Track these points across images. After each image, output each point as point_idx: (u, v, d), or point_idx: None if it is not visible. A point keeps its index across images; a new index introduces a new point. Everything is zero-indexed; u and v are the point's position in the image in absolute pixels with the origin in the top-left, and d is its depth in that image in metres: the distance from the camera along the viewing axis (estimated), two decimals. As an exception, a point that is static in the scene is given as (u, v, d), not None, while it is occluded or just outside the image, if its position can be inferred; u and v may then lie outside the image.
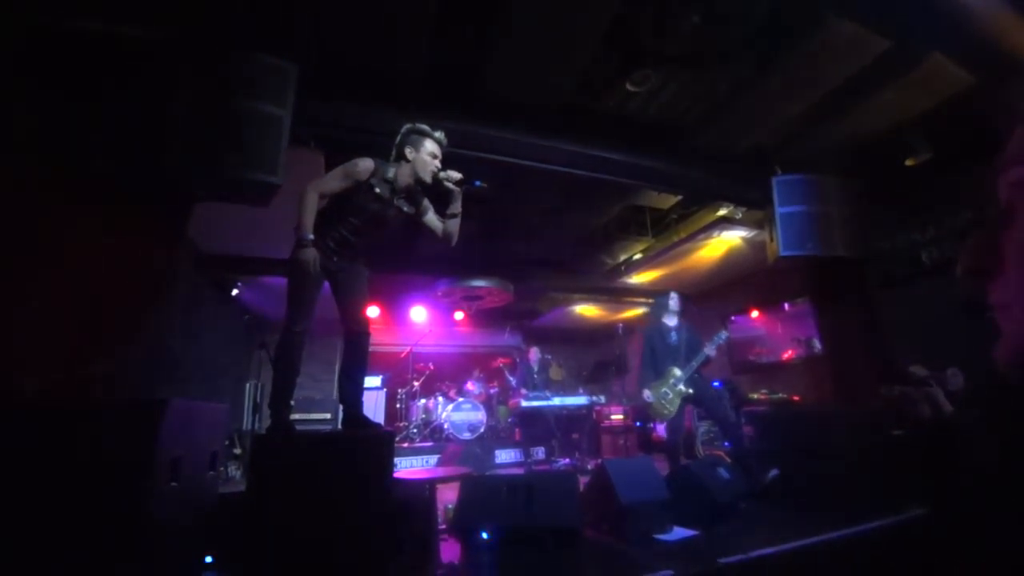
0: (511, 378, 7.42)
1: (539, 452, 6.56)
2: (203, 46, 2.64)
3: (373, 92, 3.34)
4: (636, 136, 4.05)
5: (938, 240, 4.21)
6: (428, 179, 2.53)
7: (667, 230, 6.01)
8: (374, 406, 7.40)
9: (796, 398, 5.71)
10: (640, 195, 5.28)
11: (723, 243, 5.90)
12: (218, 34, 2.69)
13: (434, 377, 8.13)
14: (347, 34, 3.04)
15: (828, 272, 4.38)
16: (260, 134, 2.69)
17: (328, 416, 7.59)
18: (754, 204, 4.69)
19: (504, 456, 6.94)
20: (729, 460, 3.79)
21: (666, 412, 4.20)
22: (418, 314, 8.28)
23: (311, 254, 2.38)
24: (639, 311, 9.27)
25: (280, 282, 6.36)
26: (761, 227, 4.95)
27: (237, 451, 5.77)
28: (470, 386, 7.92)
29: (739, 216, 5.19)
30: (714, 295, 7.69)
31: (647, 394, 4.29)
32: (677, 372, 4.18)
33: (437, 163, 2.56)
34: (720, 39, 3.15)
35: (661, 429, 7.92)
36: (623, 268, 7.05)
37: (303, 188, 2.42)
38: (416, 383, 7.91)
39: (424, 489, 2.76)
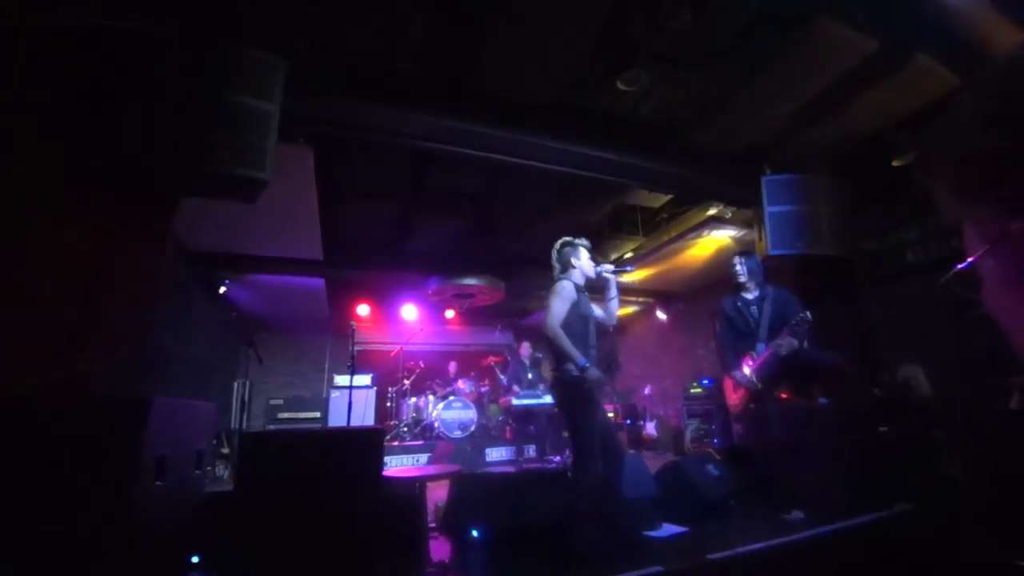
0: (502, 376, 7.43)
1: (530, 450, 6.57)
2: (190, 39, 2.59)
3: (365, 88, 3.31)
4: (628, 135, 4.05)
5: (924, 239, 4.27)
6: (593, 275, 3.06)
7: (658, 229, 6.03)
8: (364, 405, 7.37)
9: (784, 395, 5.76)
10: (632, 194, 5.30)
11: (713, 242, 5.94)
12: (205, 27, 2.65)
13: (424, 375, 8.10)
14: (338, 28, 3.01)
15: (816, 271, 4.42)
16: (248, 129, 2.65)
17: (318, 414, 7.54)
18: (743, 203, 4.72)
19: (495, 454, 6.94)
20: (719, 457, 3.81)
21: (732, 402, 3.55)
22: (409, 312, 8.25)
23: (595, 373, 2.75)
24: (630, 310, 9.31)
25: (268, 279, 6.33)
26: (750, 226, 4.98)
27: (225, 450, 5.71)
28: (461, 384, 7.91)
29: (729, 215, 5.22)
30: (704, 293, 7.75)
31: (740, 375, 3.48)
32: (754, 353, 3.45)
33: (591, 261, 3.11)
34: (711, 38, 3.16)
35: (651, 427, 7.98)
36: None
37: (549, 330, 2.78)
38: (407, 381, 7.88)
39: (414, 487, 2.75)
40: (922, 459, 3.37)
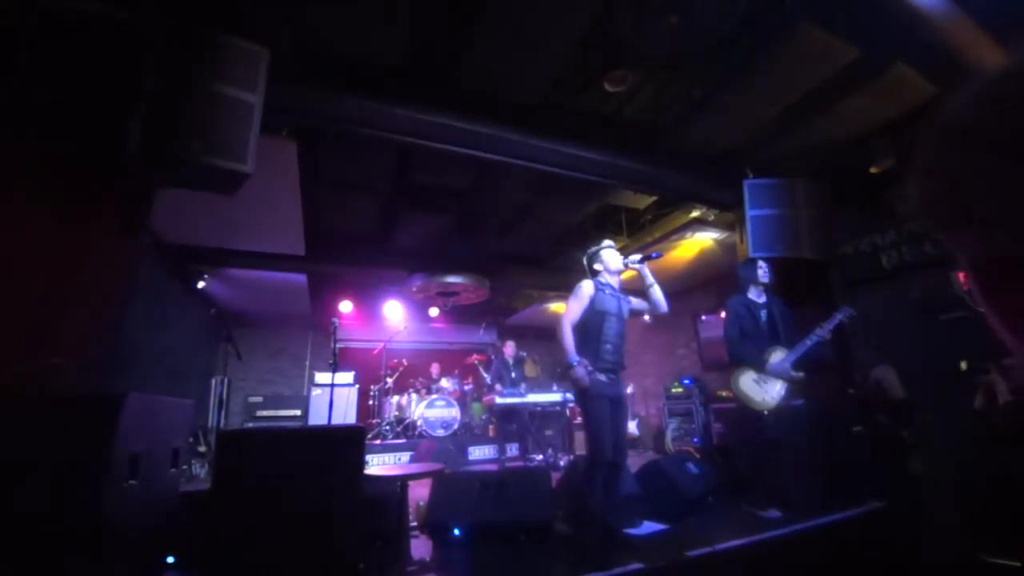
0: (486, 375, 7.42)
1: (513, 449, 6.58)
2: (170, 26, 2.53)
3: (350, 81, 3.27)
4: (613, 136, 4.08)
5: (897, 244, 4.38)
6: (621, 267, 3.15)
7: (642, 230, 6.09)
8: (346, 403, 7.30)
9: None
10: (616, 195, 5.33)
11: (696, 244, 6.02)
12: (187, 14, 2.59)
13: (407, 373, 8.06)
14: (323, 20, 2.97)
15: (796, 273, 4.50)
16: (229, 120, 2.59)
17: (298, 412, 7.45)
18: (726, 206, 4.79)
19: (478, 453, 6.94)
20: (698, 455, 3.87)
21: (764, 400, 3.47)
22: (392, 309, 8.19)
23: (580, 371, 2.84)
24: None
25: (248, 274, 6.22)
26: (732, 229, 5.05)
27: (202, 448, 5.60)
28: (444, 383, 7.89)
29: (711, 218, 5.30)
30: (686, 294, 7.84)
31: (779, 367, 3.49)
32: (780, 354, 3.51)
33: (618, 255, 3.20)
34: (696, 42, 3.19)
35: (632, 426, 8.06)
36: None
37: (558, 328, 2.99)
38: (389, 380, 7.82)
39: (395, 486, 2.73)
40: (893, 458, 3.46)
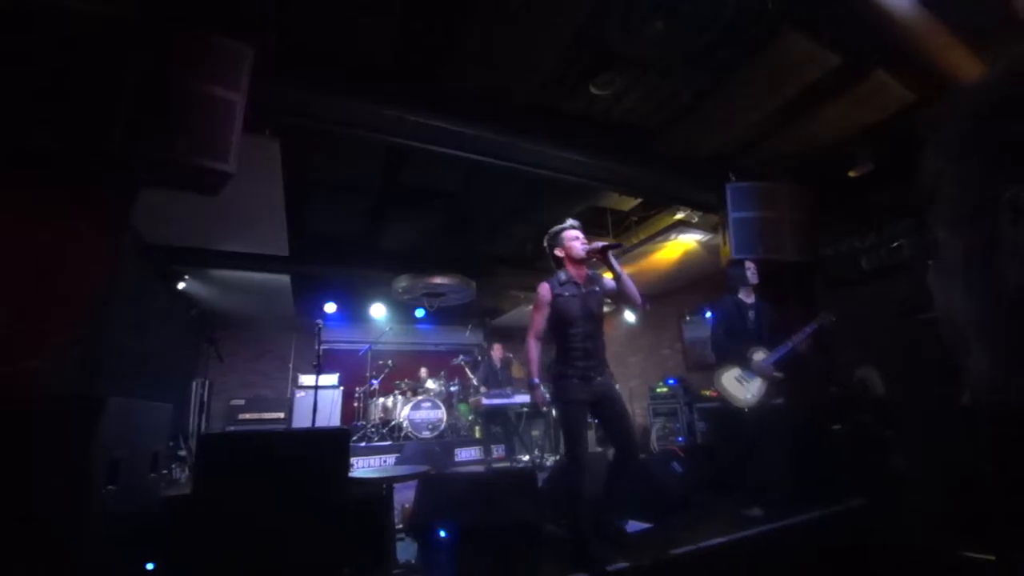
0: (473, 376, 7.40)
1: (500, 450, 6.58)
2: (153, 23, 2.49)
3: (335, 80, 3.24)
4: (600, 138, 4.11)
5: (877, 247, 4.49)
6: (583, 255, 2.78)
7: (627, 232, 6.14)
8: (330, 405, 7.23)
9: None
10: (602, 196, 5.37)
11: (680, 245, 6.09)
12: (170, 11, 2.55)
13: (393, 375, 8.01)
14: (309, 18, 2.94)
15: (778, 275, 4.58)
16: (212, 119, 2.56)
17: (281, 415, 7.35)
18: (709, 208, 4.85)
19: (464, 454, 6.92)
20: (682, 454, 3.91)
21: (746, 398, 3.54)
22: (378, 311, 8.14)
23: (540, 394, 2.84)
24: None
25: (231, 275, 6.13)
26: (715, 231, 5.12)
27: (182, 452, 5.50)
28: (430, 384, 7.85)
29: (695, 220, 5.37)
30: (670, 295, 7.93)
31: (764, 364, 3.56)
32: (762, 353, 3.58)
33: (581, 241, 2.83)
34: (682, 47, 3.23)
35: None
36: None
37: (526, 342, 2.81)
38: (375, 381, 7.77)
39: (381, 488, 2.71)
40: (875, 456, 3.54)
